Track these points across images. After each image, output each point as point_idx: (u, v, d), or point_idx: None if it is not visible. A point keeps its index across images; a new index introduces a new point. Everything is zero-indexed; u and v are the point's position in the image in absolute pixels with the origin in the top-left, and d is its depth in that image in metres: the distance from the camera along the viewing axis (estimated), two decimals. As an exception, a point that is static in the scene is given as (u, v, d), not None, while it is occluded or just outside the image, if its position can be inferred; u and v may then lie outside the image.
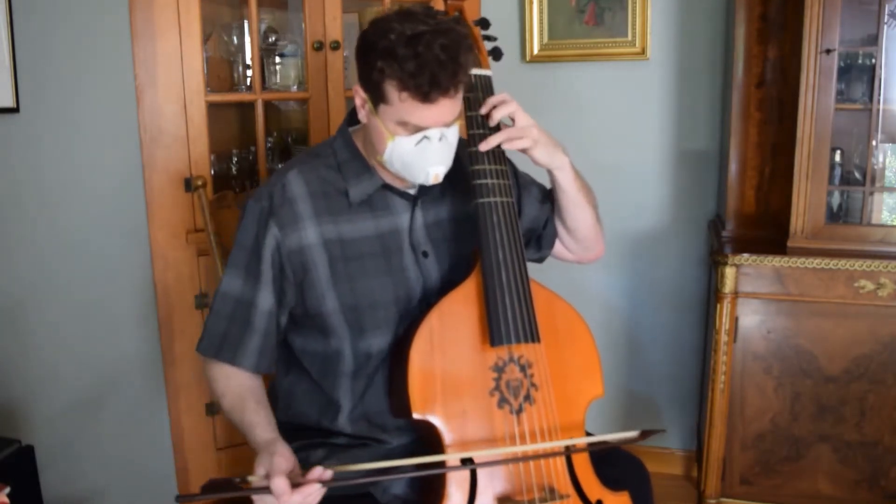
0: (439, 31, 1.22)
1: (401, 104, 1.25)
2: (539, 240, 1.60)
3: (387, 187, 1.41)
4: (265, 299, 1.36)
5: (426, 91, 1.22)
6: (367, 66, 1.26)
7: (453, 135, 1.32)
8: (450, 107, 1.28)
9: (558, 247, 1.62)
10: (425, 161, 1.30)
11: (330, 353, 1.41)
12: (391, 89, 1.24)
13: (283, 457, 1.15)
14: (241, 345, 1.36)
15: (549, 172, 1.46)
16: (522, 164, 1.54)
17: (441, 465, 1.27)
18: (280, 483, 1.09)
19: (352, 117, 1.47)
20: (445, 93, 1.24)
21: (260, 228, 1.36)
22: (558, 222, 1.57)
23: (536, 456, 1.29)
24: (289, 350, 1.47)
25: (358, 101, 1.33)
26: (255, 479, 1.14)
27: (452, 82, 1.24)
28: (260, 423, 1.27)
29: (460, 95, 1.29)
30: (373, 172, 1.40)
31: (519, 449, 1.28)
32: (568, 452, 1.33)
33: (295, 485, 1.10)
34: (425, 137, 1.28)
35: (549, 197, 1.57)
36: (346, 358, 1.40)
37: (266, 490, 1.10)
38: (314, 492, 1.12)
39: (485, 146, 1.37)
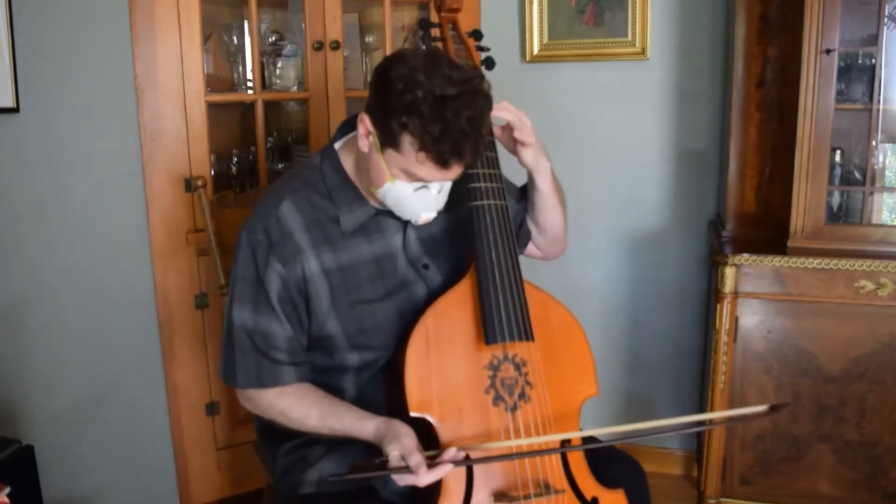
0: (466, 97, 1.21)
1: (415, 162, 1.24)
2: (516, 238, 1.61)
3: (378, 212, 1.41)
4: (280, 329, 1.37)
5: (446, 159, 1.22)
6: (386, 110, 1.23)
7: (449, 185, 1.34)
8: (460, 170, 1.28)
9: (528, 245, 1.65)
10: (420, 207, 1.32)
11: (333, 367, 1.43)
12: (409, 145, 1.23)
13: (409, 437, 1.24)
14: (277, 369, 1.37)
15: (530, 174, 1.49)
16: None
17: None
18: (417, 459, 1.19)
19: (342, 131, 1.46)
20: (462, 161, 1.24)
21: (261, 264, 1.36)
22: (530, 221, 1.60)
23: (532, 453, 1.30)
24: None
25: (362, 131, 1.30)
26: (392, 461, 1.23)
27: (473, 154, 1.25)
28: (361, 416, 1.32)
29: None
30: (364, 201, 1.40)
31: (524, 442, 1.31)
32: (564, 449, 1.34)
33: (429, 464, 1.19)
34: (425, 187, 1.30)
35: (523, 196, 1.60)
36: (349, 371, 1.43)
37: (405, 469, 1.20)
38: (448, 470, 1.21)
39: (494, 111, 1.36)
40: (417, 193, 1.30)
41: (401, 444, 1.22)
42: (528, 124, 1.41)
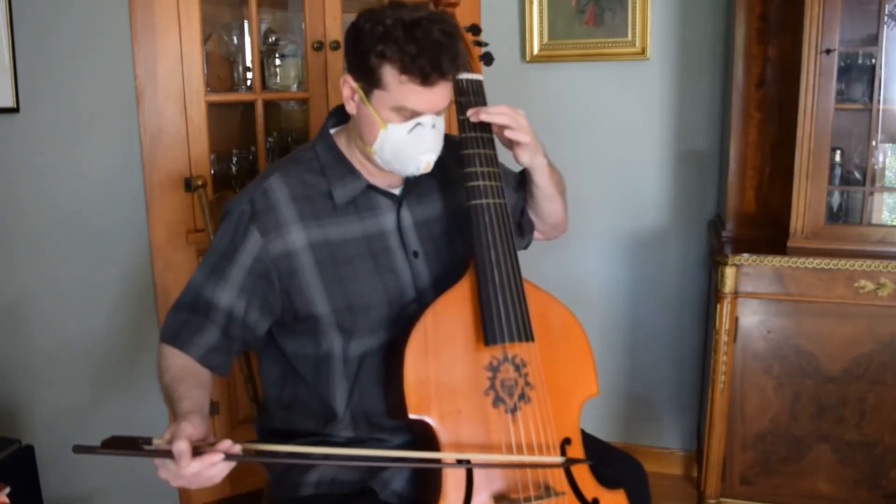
0: (435, 19, 1.27)
1: (399, 87, 1.26)
2: (520, 227, 1.63)
3: (371, 187, 1.41)
4: (224, 299, 1.33)
5: (427, 73, 1.24)
6: (362, 52, 1.27)
7: (442, 124, 1.35)
8: (445, 92, 1.31)
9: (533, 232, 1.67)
10: (418, 148, 1.31)
11: (322, 356, 1.40)
12: (390, 72, 1.26)
13: (191, 423, 1.09)
14: (196, 335, 1.33)
15: (528, 171, 1.50)
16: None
17: (432, 461, 1.28)
18: (181, 446, 1.03)
19: (336, 117, 1.47)
20: (444, 76, 1.27)
21: (239, 233, 1.34)
22: (531, 211, 1.61)
23: (534, 465, 1.30)
24: (284, 360, 1.46)
25: (346, 93, 1.33)
26: (159, 443, 1.08)
27: (452, 65, 1.27)
28: (190, 398, 1.21)
29: (451, 84, 1.32)
30: (357, 174, 1.40)
31: (526, 459, 1.29)
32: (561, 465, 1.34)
33: (199, 453, 1.05)
34: (419, 124, 1.30)
35: (521, 183, 1.60)
36: (338, 360, 1.39)
37: (168, 454, 1.04)
38: (217, 462, 1.06)
39: (485, 116, 1.39)
40: (413, 134, 1.30)
41: (178, 428, 1.07)
42: (524, 125, 1.42)
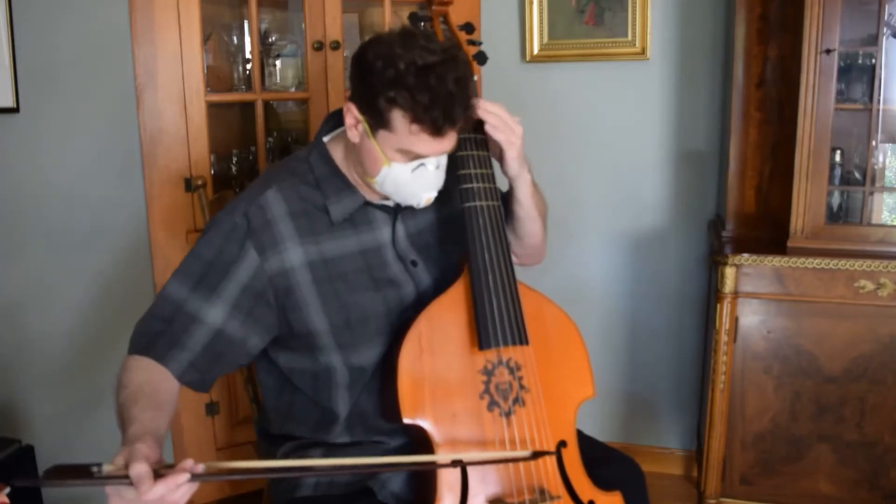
0: (448, 62, 1.21)
1: (408, 136, 1.22)
2: None
3: (367, 202, 1.39)
4: (213, 315, 1.27)
5: (440, 125, 1.21)
6: (371, 91, 1.22)
7: (445, 161, 1.32)
8: (454, 138, 1.27)
9: None
10: (420, 187, 1.30)
11: (320, 371, 1.38)
12: (400, 119, 1.21)
13: (146, 445, 1.01)
14: (174, 348, 1.25)
15: (511, 183, 1.47)
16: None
17: (424, 464, 1.27)
18: (140, 468, 0.94)
19: (332, 122, 1.43)
20: (455, 125, 1.23)
21: (231, 248, 1.29)
22: (509, 230, 1.55)
23: (502, 460, 1.28)
24: (279, 371, 1.44)
25: (350, 121, 1.28)
26: (111, 469, 0.98)
27: (464, 113, 1.23)
28: (139, 422, 1.11)
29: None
30: (353, 190, 1.37)
31: (486, 455, 1.27)
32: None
33: (158, 476, 0.96)
34: (422, 165, 1.28)
35: (504, 201, 1.55)
36: (339, 373, 1.37)
37: (124, 479, 0.95)
38: (182, 484, 0.98)
39: (480, 113, 1.35)
40: (416, 173, 1.28)
41: (133, 450, 0.99)
42: (518, 131, 1.38)
